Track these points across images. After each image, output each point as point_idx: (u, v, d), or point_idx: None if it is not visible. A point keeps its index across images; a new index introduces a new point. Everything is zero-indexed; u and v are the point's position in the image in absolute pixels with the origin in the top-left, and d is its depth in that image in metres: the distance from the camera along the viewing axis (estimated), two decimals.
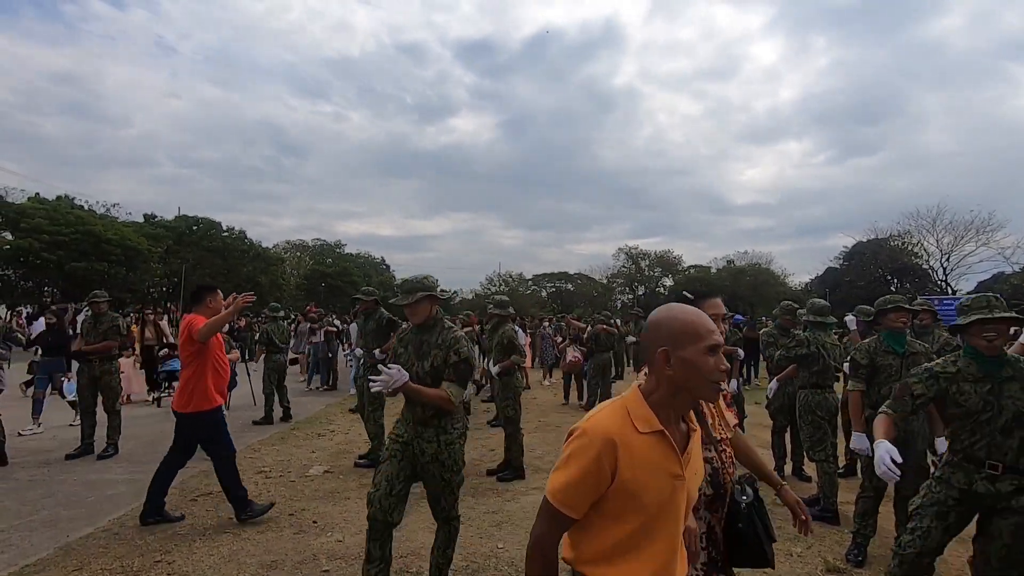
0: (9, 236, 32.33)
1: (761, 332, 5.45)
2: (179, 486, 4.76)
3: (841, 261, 58.16)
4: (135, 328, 9.44)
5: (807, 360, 4.30)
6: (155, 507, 3.89)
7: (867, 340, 3.53)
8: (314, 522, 3.95)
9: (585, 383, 9.59)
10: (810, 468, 5.26)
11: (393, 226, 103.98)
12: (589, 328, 9.45)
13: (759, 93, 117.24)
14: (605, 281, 76.53)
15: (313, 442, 6.57)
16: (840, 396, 4.78)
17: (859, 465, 3.49)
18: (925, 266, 52.16)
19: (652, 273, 76.14)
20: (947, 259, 50.32)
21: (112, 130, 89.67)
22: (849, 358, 3.50)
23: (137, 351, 9.20)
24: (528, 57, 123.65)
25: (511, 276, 79.91)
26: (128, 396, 8.56)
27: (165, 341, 9.54)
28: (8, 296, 34.78)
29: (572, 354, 8.77)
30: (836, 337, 4.56)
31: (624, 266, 75.79)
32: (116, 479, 4.95)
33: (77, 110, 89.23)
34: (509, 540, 3.70)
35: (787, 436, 5.44)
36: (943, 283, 49.57)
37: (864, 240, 55.67)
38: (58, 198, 37.03)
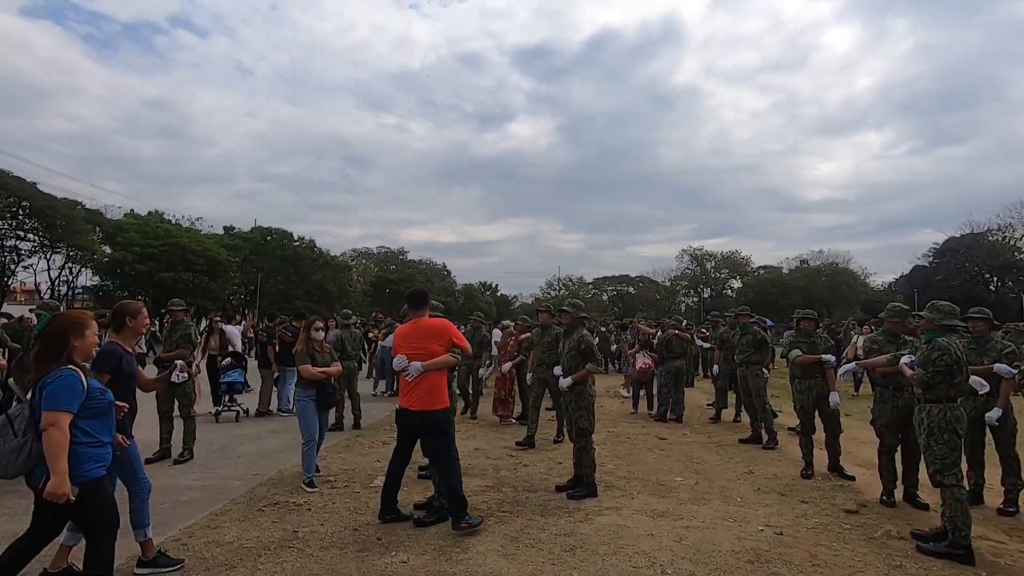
0: (108, 249, 35.22)
1: (864, 339, 4.83)
2: (247, 494, 4.76)
3: (931, 259, 53.68)
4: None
5: (951, 371, 3.68)
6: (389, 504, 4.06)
7: None
8: (378, 539, 3.77)
9: (655, 391, 9.09)
10: (928, 495, 4.62)
11: (454, 232, 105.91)
12: (659, 333, 8.96)
13: (832, 83, 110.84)
14: (668, 284, 74.37)
15: (378, 450, 6.49)
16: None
17: None
18: None
19: (718, 275, 73.32)
20: None
21: (198, 150, 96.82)
22: None
23: (197, 360, 8.06)
24: (585, 59, 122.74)
25: (571, 280, 79.31)
26: None
27: (231, 350, 8.79)
28: (108, 305, 37.91)
29: (642, 360, 8.32)
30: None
31: (688, 268, 73.39)
32: (190, 485, 5.01)
33: (168, 133, 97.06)
34: (585, 568, 3.37)
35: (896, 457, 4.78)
36: None
37: (957, 235, 51.19)
38: (149, 213, 40.05)
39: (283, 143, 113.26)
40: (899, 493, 4.74)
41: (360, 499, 4.64)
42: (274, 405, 8.91)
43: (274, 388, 8.98)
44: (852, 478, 5.39)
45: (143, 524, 3.29)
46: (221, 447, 6.54)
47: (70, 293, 39.26)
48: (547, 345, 6.95)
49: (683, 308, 70.87)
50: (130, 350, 3.37)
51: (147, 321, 3.49)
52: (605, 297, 77.62)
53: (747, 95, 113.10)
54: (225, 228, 45.57)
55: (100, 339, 3.39)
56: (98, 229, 36.30)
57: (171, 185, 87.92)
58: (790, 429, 7.81)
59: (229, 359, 8.51)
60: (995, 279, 50.54)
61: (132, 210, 39.84)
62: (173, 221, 41.16)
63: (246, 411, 8.44)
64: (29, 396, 2.56)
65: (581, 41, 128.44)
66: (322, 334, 5.38)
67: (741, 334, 7.18)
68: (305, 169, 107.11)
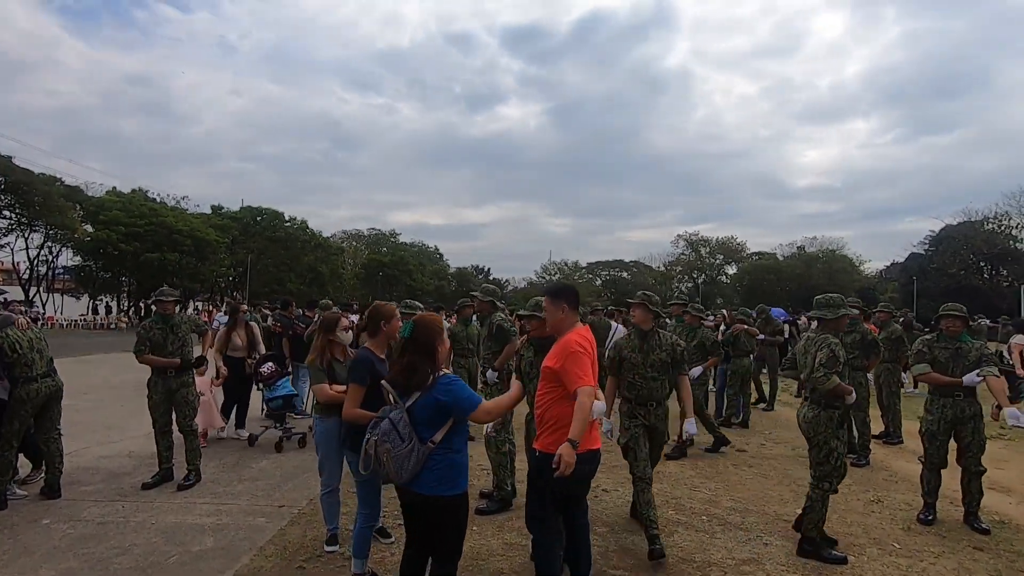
0: (90, 228, 33.55)
1: None
2: (277, 539, 3.73)
3: (927, 246, 53.42)
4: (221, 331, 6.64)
5: None
6: None
7: None
8: None
9: (712, 392, 8.16)
10: None
11: (443, 215, 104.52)
12: (723, 327, 8.01)
13: (822, 70, 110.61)
14: (663, 269, 73.71)
15: None
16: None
17: None
18: None
19: (713, 260, 72.76)
20: None
21: (182, 128, 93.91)
22: None
23: (219, 365, 6.32)
24: (576, 41, 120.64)
25: (566, 264, 78.47)
26: (206, 432, 6.08)
27: (267, 353, 6.70)
28: (90, 286, 36.28)
29: None
30: None
31: (683, 253, 72.74)
32: (202, 523, 3.98)
33: (151, 110, 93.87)
34: None
35: None
36: None
37: (954, 223, 50.92)
38: (132, 191, 38.29)
39: (269, 122, 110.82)
40: None
41: None
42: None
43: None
44: (987, 531, 4.13)
45: (365, 554, 3.07)
46: (232, 463, 5.49)
47: (49, 273, 37.55)
48: (657, 366, 3.83)
49: (676, 294, 70.30)
50: (382, 356, 3.14)
51: (399, 325, 3.14)
52: (599, 282, 76.91)
53: (738, 80, 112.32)
54: (213, 208, 43.90)
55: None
56: (79, 207, 34.56)
57: (155, 164, 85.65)
58: (874, 437, 6.95)
59: (270, 364, 6.17)
60: (988, 267, 50.47)
61: (115, 188, 38.09)
62: (158, 200, 39.44)
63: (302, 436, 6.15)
64: (408, 402, 2.39)
65: (572, 22, 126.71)
66: (349, 336, 4.02)
67: (847, 331, 6.20)
68: (292, 149, 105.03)
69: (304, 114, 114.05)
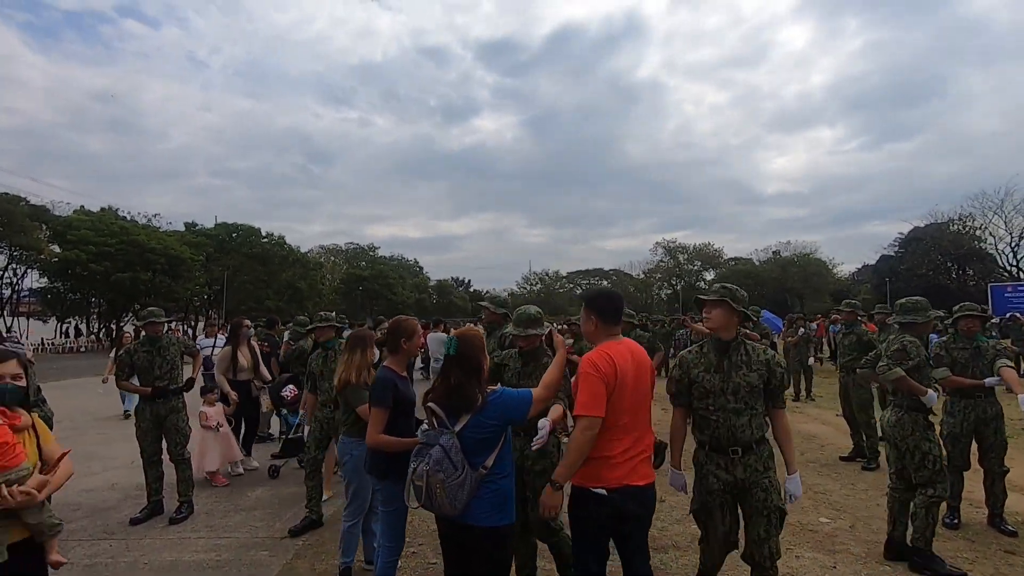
0: (57, 249, 32.39)
1: None
2: (285, 572, 3.48)
3: (897, 248, 54.86)
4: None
5: None
6: None
7: None
8: None
9: None
10: None
11: (420, 228, 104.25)
12: None
13: (789, 79, 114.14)
14: (642, 276, 74.37)
15: None
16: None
17: None
18: (991, 250, 48.78)
19: (691, 267, 73.63)
20: (1018, 242, 46.93)
21: (151, 144, 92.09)
22: None
23: (227, 390, 5.50)
24: (549, 54, 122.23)
25: (546, 274, 78.67)
26: (215, 472, 5.39)
27: (286, 375, 5.99)
28: (58, 308, 34.97)
29: None
30: None
31: (662, 260, 73.49)
32: (200, 560, 3.70)
33: (118, 126, 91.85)
34: None
35: None
36: (1014, 268, 46.09)
37: (922, 225, 52.40)
38: (102, 210, 37.12)
39: (241, 138, 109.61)
40: None
41: None
42: (275, 428, 7.52)
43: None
44: (1014, 533, 4.12)
45: None
46: (226, 493, 5.18)
47: (14, 296, 36.13)
48: (744, 393, 2.62)
49: (655, 301, 70.87)
50: (404, 375, 2.94)
51: (422, 343, 2.95)
52: (579, 291, 77.27)
53: (708, 90, 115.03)
54: (186, 224, 42.84)
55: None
56: (45, 227, 33.37)
57: (122, 182, 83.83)
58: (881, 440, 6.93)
59: (291, 387, 5.45)
60: (955, 267, 52.01)
61: (82, 206, 36.87)
62: (129, 218, 38.31)
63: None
64: (458, 427, 2.20)
65: (545, 35, 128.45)
66: (376, 354, 3.78)
67: (844, 333, 6.21)
68: (265, 164, 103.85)
69: (277, 129, 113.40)
